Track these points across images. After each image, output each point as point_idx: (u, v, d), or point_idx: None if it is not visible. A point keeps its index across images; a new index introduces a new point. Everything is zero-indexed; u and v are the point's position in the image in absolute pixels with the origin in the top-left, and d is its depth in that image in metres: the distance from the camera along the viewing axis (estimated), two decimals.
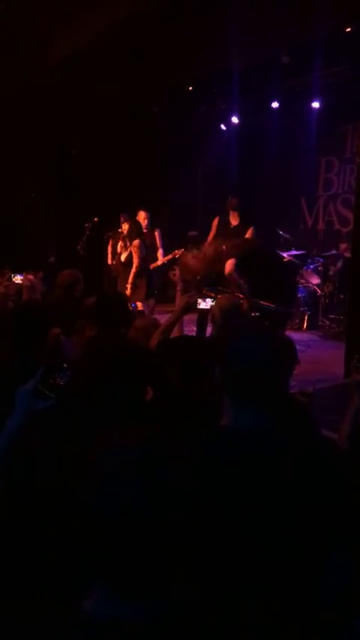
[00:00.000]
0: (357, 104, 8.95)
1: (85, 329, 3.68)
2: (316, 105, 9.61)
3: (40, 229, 10.18)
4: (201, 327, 6.43)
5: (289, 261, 8.22)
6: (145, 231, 7.72)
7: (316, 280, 9.34)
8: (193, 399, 2.56)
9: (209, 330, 5.16)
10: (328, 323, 9.07)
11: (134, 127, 9.72)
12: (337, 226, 10.90)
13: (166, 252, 7.85)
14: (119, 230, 7.46)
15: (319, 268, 9.39)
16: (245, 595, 1.47)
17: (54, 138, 9.59)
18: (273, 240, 9.20)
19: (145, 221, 7.77)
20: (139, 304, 7.14)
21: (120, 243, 7.55)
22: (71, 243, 7.77)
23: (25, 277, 6.22)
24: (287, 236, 9.71)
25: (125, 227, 7.37)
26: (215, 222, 6.84)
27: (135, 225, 7.34)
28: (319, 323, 9.19)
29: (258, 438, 1.62)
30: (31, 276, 6.37)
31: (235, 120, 10.57)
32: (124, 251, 7.47)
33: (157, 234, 7.90)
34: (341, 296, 8.91)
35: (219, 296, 5.04)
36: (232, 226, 6.71)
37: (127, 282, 7.24)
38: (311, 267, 9.40)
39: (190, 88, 9.80)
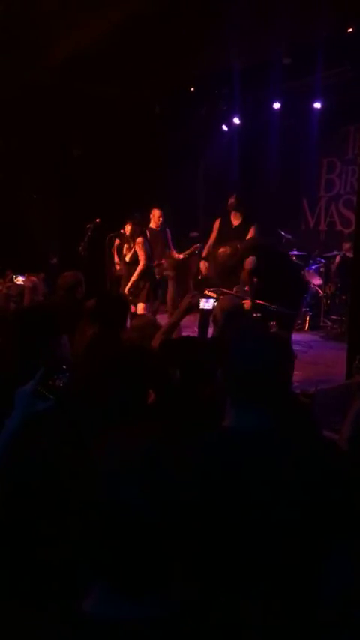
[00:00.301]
0: (359, 105, 8.96)
1: (86, 330, 3.68)
2: (317, 106, 9.59)
3: (42, 230, 10.18)
4: (203, 327, 6.42)
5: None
6: (157, 229, 7.74)
7: (317, 281, 9.34)
8: (194, 399, 2.55)
9: (211, 331, 5.15)
10: (330, 324, 9.06)
11: (135, 128, 9.72)
12: (339, 227, 10.90)
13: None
14: (121, 231, 7.46)
15: (321, 269, 9.39)
16: (246, 595, 1.47)
17: (55, 138, 9.59)
18: (275, 240, 9.21)
19: (160, 219, 7.79)
20: (142, 305, 7.13)
21: (125, 245, 7.55)
22: (73, 245, 7.76)
23: (26, 278, 6.24)
24: (289, 237, 9.72)
25: (128, 228, 7.37)
26: (217, 224, 6.82)
27: (137, 225, 7.33)
28: (321, 324, 9.19)
29: (259, 438, 1.62)
30: (33, 278, 6.39)
31: (236, 121, 10.56)
32: (128, 252, 7.47)
33: (168, 233, 7.92)
34: (343, 297, 8.92)
35: (221, 297, 5.04)
36: (233, 227, 6.70)
37: (130, 282, 7.25)
38: (313, 267, 9.40)
39: (192, 88, 9.81)
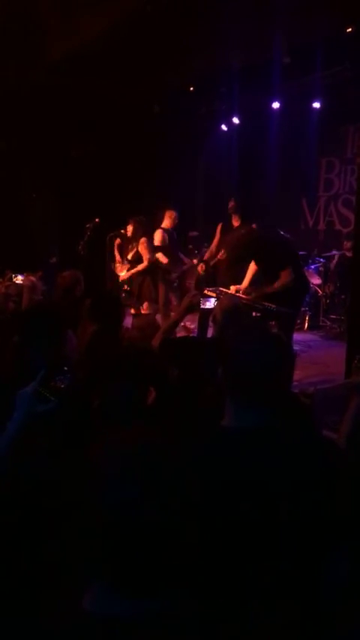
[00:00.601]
0: (358, 104, 8.96)
1: (87, 328, 3.68)
2: (316, 105, 9.59)
3: (41, 230, 10.18)
4: (202, 327, 6.42)
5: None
6: (170, 227, 7.75)
7: (317, 281, 9.34)
8: (194, 399, 2.56)
9: (210, 330, 5.16)
10: (329, 323, 9.07)
11: (134, 127, 9.72)
12: (337, 227, 10.90)
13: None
14: (122, 231, 7.45)
15: (320, 269, 9.39)
16: (245, 595, 1.47)
17: (54, 138, 9.58)
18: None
19: (176, 221, 7.81)
20: (146, 304, 7.14)
21: (129, 245, 7.56)
22: (72, 244, 7.76)
23: (25, 277, 6.22)
24: (288, 236, 9.69)
25: (130, 228, 7.36)
26: (219, 228, 6.81)
27: (140, 224, 7.33)
28: (320, 323, 9.19)
29: (259, 438, 1.62)
30: (32, 277, 6.37)
31: (235, 120, 10.56)
32: (131, 250, 7.46)
33: (174, 234, 7.96)
34: (342, 296, 8.92)
35: (220, 296, 5.04)
36: (234, 228, 6.68)
37: (128, 273, 7.28)
38: (312, 267, 9.40)
39: (191, 88, 9.80)
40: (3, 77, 7.63)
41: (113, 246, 7.52)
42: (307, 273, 9.17)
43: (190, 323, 7.28)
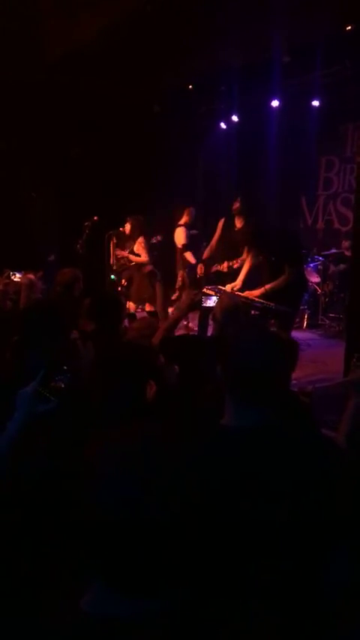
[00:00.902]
0: (357, 103, 8.95)
1: (86, 327, 3.68)
2: (316, 104, 9.57)
3: (40, 228, 10.17)
4: (202, 326, 6.42)
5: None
6: (187, 222, 7.76)
7: (316, 279, 9.34)
8: (194, 397, 2.56)
9: (210, 329, 5.16)
10: (327, 322, 9.07)
11: (134, 126, 9.71)
12: (336, 225, 10.90)
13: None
14: (120, 229, 7.45)
15: (319, 267, 9.39)
16: (244, 594, 1.47)
17: (54, 137, 9.57)
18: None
19: (193, 218, 7.84)
20: (147, 305, 7.14)
21: (126, 244, 7.55)
22: (71, 242, 7.76)
23: (24, 276, 6.21)
24: (292, 231, 9.69)
25: (127, 227, 7.36)
26: (220, 223, 6.80)
27: (138, 223, 7.32)
28: (319, 322, 9.19)
29: (258, 436, 1.62)
30: (30, 275, 6.36)
31: (235, 118, 10.55)
32: (127, 249, 7.47)
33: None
34: (341, 295, 8.92)
35: (220, 295, 5.05)
36: (236, 229, 6.67)
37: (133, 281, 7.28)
38: (311, 265, 9.40)
39: (191, 86, 9.80)
40: (3, 77, 7.62)
41: (111, 244, 7.53)
42: (306, 272, 9.20)
43: (194, 325, 7.27)
